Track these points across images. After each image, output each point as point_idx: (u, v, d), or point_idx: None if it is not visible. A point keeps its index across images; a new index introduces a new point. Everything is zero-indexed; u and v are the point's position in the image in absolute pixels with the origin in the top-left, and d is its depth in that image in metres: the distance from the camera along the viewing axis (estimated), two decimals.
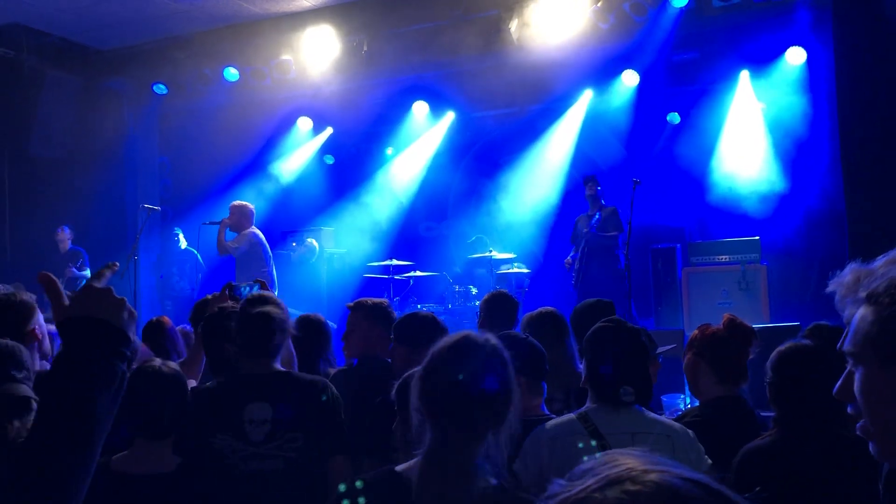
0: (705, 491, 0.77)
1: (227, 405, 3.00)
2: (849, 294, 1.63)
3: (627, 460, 0.81)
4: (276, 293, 8.56)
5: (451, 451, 1.89)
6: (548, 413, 3.03)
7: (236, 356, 3.18)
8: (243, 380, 3.11)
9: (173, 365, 2.95)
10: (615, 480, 0.78)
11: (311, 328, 3.97)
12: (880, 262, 1.51)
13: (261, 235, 8.27)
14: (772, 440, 2.60)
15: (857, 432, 1.33)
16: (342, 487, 1.96)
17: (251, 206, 8.47)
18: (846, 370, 1.38)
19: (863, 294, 1.38)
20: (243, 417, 2.95)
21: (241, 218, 8.25)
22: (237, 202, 8.48)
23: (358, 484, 1.96)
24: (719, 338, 3.22)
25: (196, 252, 9.94)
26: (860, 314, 1.35)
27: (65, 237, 9.65)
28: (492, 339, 1.98)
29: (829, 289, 1.68)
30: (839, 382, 1.37)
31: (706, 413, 3.14)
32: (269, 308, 3.16)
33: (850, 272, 1.58)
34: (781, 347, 2.74)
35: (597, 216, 8.50)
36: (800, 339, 2.80)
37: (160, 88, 10.08)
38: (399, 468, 1.96)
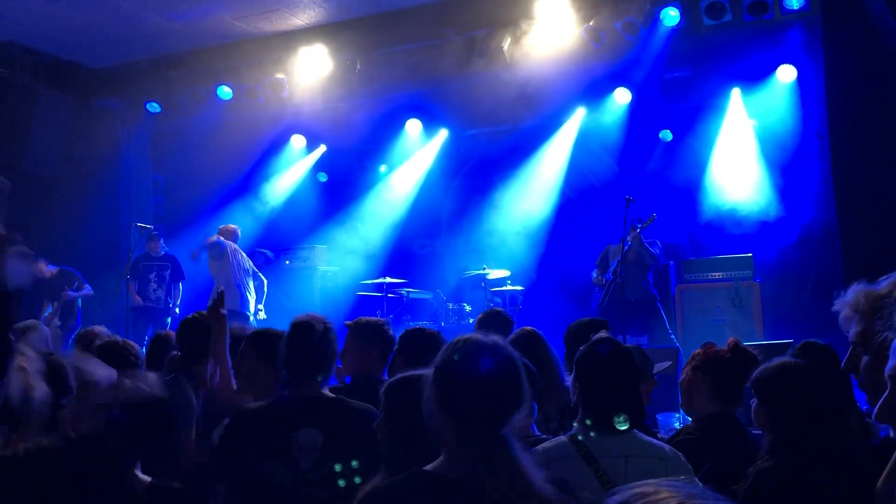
0: None
1: (276, 429, 2.92)
2: (853, 314, 1.64)
3: (664, 493, 0.79)
4: (250, 308, 8.68)
5: (487, 447, 1.90)
6: (538, 433, 3.02)
7: (286, 378, 3.10)
8: (293, 403, 3.03)
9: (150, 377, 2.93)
10: None
11: None
12: (885, 283, 1.52)
13: (231, 248, 8.82)
14: (780, 461, 2.57)
15: None
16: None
17: (232, 227, 9.07)
18: (888, 392, 1.37)
19: None
20: (292, 443, 2.88)
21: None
22: (222, 226, 9.05)
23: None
24: (723, 359, 3.23)
25: (174, 258, 9.67)
26: None
27: (41, 266, 9.44)
28: (494, 336, 2.03)
29: (835, 308, 1.69)
30: (880, 404, 1.36)
31: (701, 430, 3.14)
32: (321, 329, 3.13)
33: (853, 293, 1.59)
34: (767, 365, 2.75)
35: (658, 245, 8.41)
36: (786, 357, 2.81)
37: (153, 107, 10.09)
38: (428, 468, 1.94)
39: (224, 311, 3.70)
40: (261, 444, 2.89)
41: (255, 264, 9.41)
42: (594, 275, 8.54)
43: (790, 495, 2.48)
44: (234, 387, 3.57)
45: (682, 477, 2.60)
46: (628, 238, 7.63)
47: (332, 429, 2.87)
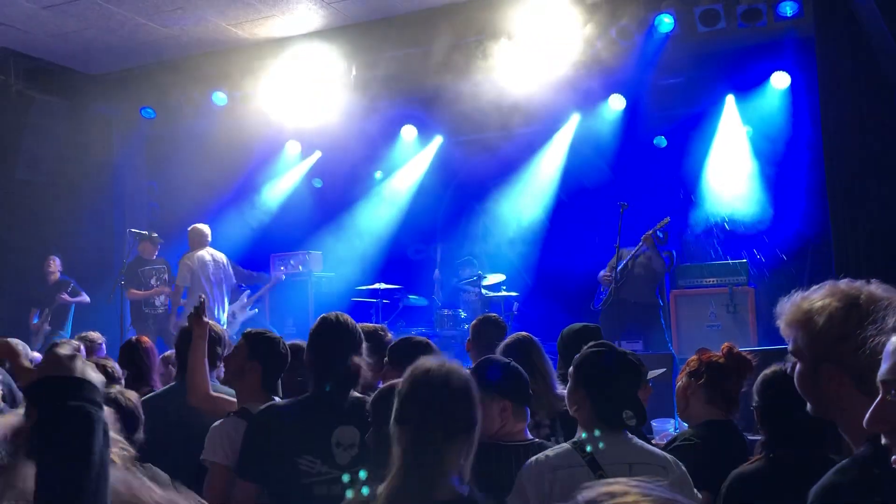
0: None
1: (315, 426, 2.99)
2: (790, 322, 1.69)
3: (633, 491, 0.79)
4: (215, 315, 8.69)
5: (423, 455, 2.06)
6: (531, 438, 3.02)
7: (314, 376, 3.16)
8: (329, 402, 3.08)
9: (131, 395, 2.94)
10: None
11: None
12: (818, 292, 1.57)
13: (197, 263, 9.00)
14: (759, 465, 2.59)
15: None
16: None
17: (200, 229, 9.20)
18: (880, 397, 1.37)
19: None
20: (331, 440, 2.95)
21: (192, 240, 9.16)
22: (190, 228, 9.27)
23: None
24: (717, 365, 3.25)
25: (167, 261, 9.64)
26: None
27: (55, 268, 9.51)
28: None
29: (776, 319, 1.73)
30: (872, 411, 1.35)
31: (698, 436, 3.16)
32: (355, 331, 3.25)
33: (790, 302, 1.63)
34: (767, 371, 2.75)
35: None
36: (784, 363, 2.81)
37: (148, 113, 10.07)
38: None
39: (206, 319, 3.79)
40: (297, 440, 2.96)
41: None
42: (602, 273, 8.49)
43: (764, 498, 2.49)
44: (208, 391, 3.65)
45: (685, 488, 2.61)
46: (641, 241, 7.67)
47: (367, 427, 2.93)
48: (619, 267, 7.90)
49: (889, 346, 1.37)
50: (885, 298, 1.65)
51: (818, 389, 1.73)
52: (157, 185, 10.96)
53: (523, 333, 3.92)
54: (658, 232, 8.00)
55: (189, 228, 9.26)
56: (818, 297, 1.75)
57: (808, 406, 1.81)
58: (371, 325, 4.05)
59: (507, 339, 3.90)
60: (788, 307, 1.79)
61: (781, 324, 1.81)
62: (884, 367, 1.36)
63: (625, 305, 7.82)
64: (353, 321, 3.31)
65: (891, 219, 6.66)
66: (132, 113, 10.21)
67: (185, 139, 10.41)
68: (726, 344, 3.37)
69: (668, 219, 8.11)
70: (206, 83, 9.61)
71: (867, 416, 1.38)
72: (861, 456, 1.58)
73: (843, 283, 1.76)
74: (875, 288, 1.71)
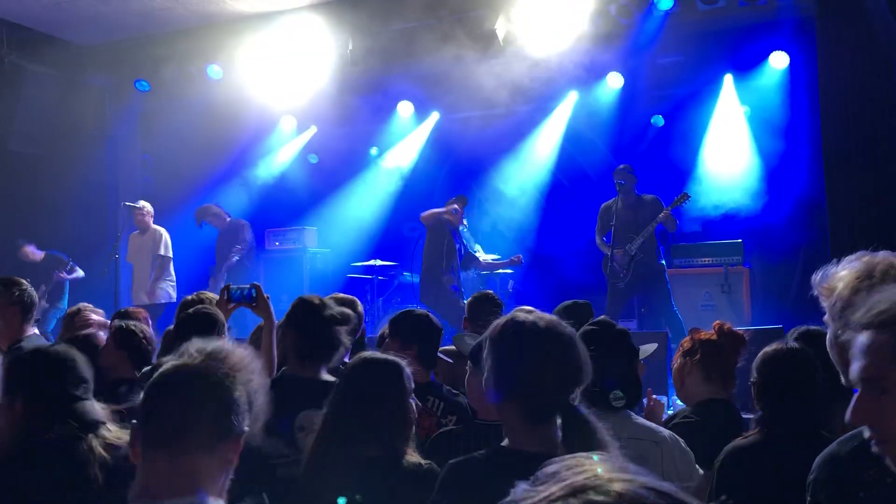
0: (669, 501, 0.75)
1: (279, 408, 2.96)
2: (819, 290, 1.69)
3: (593, 466, 0.79)
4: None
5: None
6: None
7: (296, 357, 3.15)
8: (296, 384, 3.07)
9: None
10: (579, 489, 0.76)
11: None
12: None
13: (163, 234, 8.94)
14: (753, 440, 2.61)
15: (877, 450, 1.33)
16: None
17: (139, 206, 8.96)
18: (857, 394, 1.37)
19: (861, 320, 1.38)
20: (294, 424, 2.92)
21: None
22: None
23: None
24: (710, 343, 3.26)
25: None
26: (874, 340, 1.34)
27: (29, 250, 9.36)
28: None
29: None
30: (853, 407, 1.35)
31: (696, 415, 3.18)
32: (340, 317, 3.20)
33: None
34: (768, 349, 2.76)
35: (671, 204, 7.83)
36: (786, 342, 2.82)
37: (142, 85, 9.97)
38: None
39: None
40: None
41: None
42: (615, 249, 7.86)
43: (757, 472, 2.51)
44: None
45: (680, 465, 2.62)
46: (659, 218, 7.50)
47: None
48: (636, 245, 7.70)
49: (856, 346, 1.37)
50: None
51: (843, 356, 1.75)
52: (152, 159, 10.89)
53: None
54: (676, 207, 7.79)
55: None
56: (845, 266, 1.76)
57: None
58: (341, 295, 4.04)
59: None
60: (821, 277, 1.79)
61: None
62: (853, 367, 1.36)
63: (641, 280, 7.68)
64: (330, 303, 3.27)
65: (888, 199, 6.67)
66: (126, 85, 10.12)
67: (179, 112, 10.32)
68: (717, 322, 3.39)
69: (686, 195, 7.85)
70: (202, 56, 9.52)
71: (848, 411, 1.38)
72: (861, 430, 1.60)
73: (876, 255, 1.75)
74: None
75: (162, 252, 8.87)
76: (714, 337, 3.30)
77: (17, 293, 4.28)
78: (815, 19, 7.28)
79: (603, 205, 7.81)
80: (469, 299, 4.59)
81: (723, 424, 3.06)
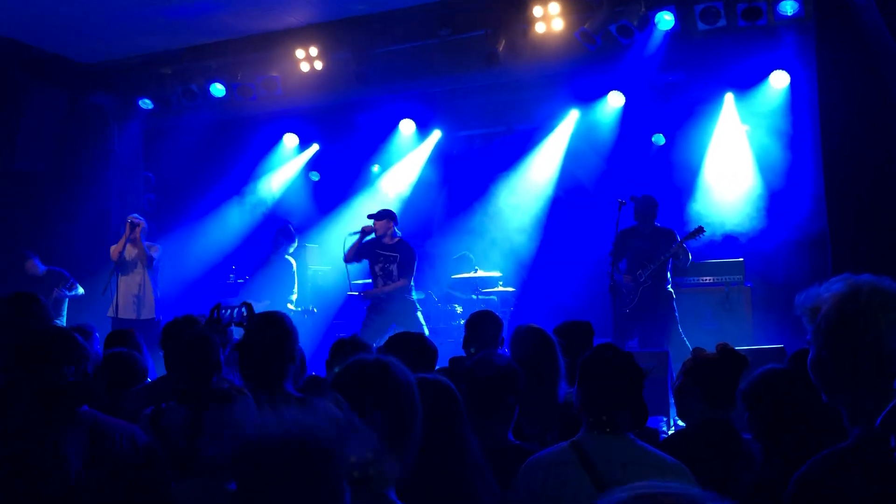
0: None
1: None
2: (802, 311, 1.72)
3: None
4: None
5: None
6: (515, 441, 3.02)
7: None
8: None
9: None
10: None
11: None
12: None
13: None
14: (768, 472, 2.58)
15: None
16: None
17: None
18: None
19: None
20: None
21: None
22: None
23: None
24: (711, 363, 3.27)
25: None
26: None
27: (33, 263, 9.31)
28: None
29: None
30: None
31: (693, 435, 3.19)
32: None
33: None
34: (757, 372, 2.78)
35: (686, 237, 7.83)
36: (773, 365, 2.83)
37: (146, 103, 10.02)
38: None
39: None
40: None
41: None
42: (625, 277, 7.95)
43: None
44: None
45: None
46: (673, 251, 7.50)
47: None
48: (647, 273, 7.71)
49: None
50: (891, 296, 1.67)
51: (825, 376, 1.77)
52: (154, 176, 10.92)
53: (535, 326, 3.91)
54: (689, 242, 7.78)
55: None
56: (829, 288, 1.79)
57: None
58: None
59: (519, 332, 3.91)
60: (805, 298, 1.83)
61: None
62: None
63: (650, 307, 7.68)
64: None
65: (889, 217, 6.66)
66: (129, 103, 10.16)
67: (182, 130, 10.37)
68: (720, 343, 3.39)
69: (701, 228, 7.85)
70: (205, 74, 9.57)
71: (879, 419, 1.40)
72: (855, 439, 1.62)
73: (860, 278, 1.78)
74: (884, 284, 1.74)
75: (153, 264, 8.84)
76: (716, 357, 3.30)
77: (34, 309, 4.32)
78: (815, 35, 7.30)
79: (620, 231, 7.81)
80: (469, 317, 4.57)
81: (720, 446, 3.05)
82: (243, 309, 3.74)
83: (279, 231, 9.31)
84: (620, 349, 2.96)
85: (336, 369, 2.42)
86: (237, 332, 3.93)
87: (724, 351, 3.31)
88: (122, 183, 10.53)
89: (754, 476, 2.67)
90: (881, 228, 6.62)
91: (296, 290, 9.08)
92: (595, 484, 2.55)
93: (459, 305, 9.35)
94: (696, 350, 3.44)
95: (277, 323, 3.36)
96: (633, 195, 7.68)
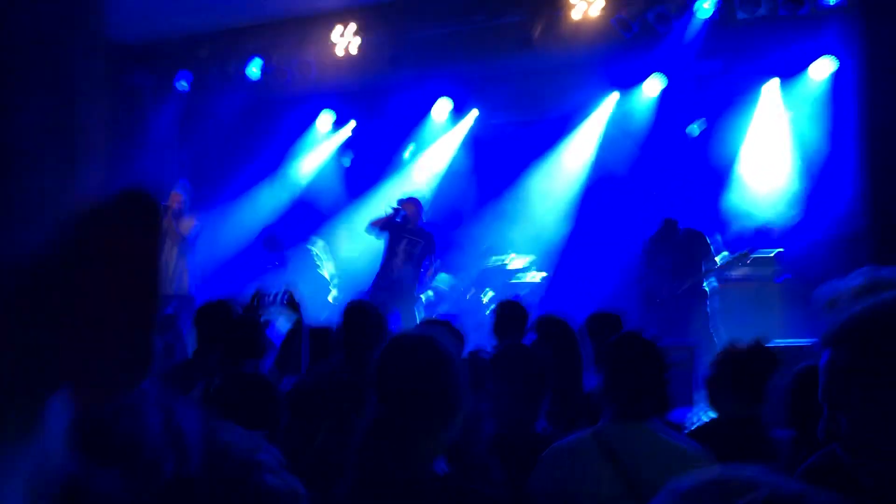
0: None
1: None
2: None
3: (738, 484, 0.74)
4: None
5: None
6: (540, 432, 3.02)
7: None
8: None
9: None
10: None
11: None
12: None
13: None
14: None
15: None
16: None
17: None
18: (824, 415, 1.37)
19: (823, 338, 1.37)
20: None
21: None
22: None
23: None
24: (742, 358, 3.27)
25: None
26: (830, 358, 1.36)
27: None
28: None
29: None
30: (820, 427, 1.36)
31: (720, 428, 3.21)
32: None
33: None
34: (798, 368, 2.76)
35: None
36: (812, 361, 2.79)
37: (182, 85, 10.09)
38: None
39: None
40: None
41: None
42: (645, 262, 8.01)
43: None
44: None
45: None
46: (712, 271, 7.41)
47: None
48: (685, 286, 7.61)
49: (822, 361, 1.35)
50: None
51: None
52: (189, 159, 11.02)
53: (554, 317, 3.91)
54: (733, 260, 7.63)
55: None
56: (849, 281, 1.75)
57: None
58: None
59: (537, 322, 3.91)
60: (824, 292, 1.79)
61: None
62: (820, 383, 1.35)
63: (675, 299, 7.61)
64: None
65: None
66: (166, 85, 10.25)
67: (218, 112, 10.44)
68: (755, 337, 3.39)
69: (748, 253, 7.68)
70: (241, 56, 9.62)
71: (819, 429, 1.38)
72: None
73: (881, 271, 1.73)
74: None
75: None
76: (747, 352, 3.29)
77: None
78: (860, 23, 7.10)
79: (650, 240, 7.73)
80: (496, 306, 4.57)
81: (748, 441, 3.05)
82: (285, 296, 3.82)
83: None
84: (645, 337, 2.96)
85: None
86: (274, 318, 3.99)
87: (757, 346, 3.31)
88: (157, 163, 10.65)
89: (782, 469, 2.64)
90: None
91: (328, 277, 9.13)
92: (617, 472, 2.56)
93: (492, 290, 9.31)
94: (730, 343, 3.46)
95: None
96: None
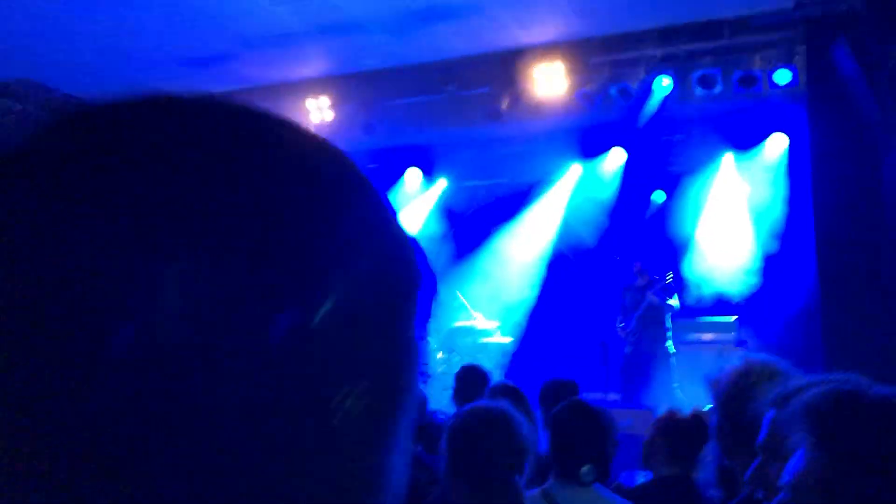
0: None
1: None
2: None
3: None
4: None
5: None
6: None
7: None
8: None
9: None
10: None
11: None
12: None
13: None
14: None
15: None
16: None
17: None
18: (757, 461, 1.58)
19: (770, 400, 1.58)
20: None
21: None
22: None
23: None
24: (681, 424, 3.44)
25: None
26: (773, 415, 1.57)
27: None
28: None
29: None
30: (752, 471, 1.57)
31: (656, 488, 3.35)
32: None
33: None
34: None
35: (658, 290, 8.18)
36: None
37: None
38: None
39: None
40: None
41: None
42: (619, 324, 8.49)
43: None
44: None
45: None
46: (648, 298, 7.69)
47: None
48: (630, 327, 7.91)
49: (766, 418, 1.56)
50: (778, 372, 1.87)
51: (724, 442, 1.97)
52: None
53: (509, 383, 4.04)
54: (659, 286, 7.97)
55: None
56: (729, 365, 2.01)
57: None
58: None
59: (496, 387, 4.04)
60: (713, 373, 2.04)
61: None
62: (762, 434, 1.54)
63: (642, 358, 7.81)
64: None
65: (880, 286, 6.74)
66: None
67: None
68: (694, 407, 3.54)
69: (671, 274, 8.12)
70: None
71: (747, 474, 1.58)
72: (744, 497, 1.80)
73: (754, 356, 2.01)
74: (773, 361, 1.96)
75: None
76: (686, 420, 3.44)
77: None
78: (808, 105, 7.47)
79: (623, 288, 8.17)
80: (458, 371, 4.70)
81: (680, 498, 3.18)
82: None
83: None
84: (591, 405, 3.10)
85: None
86: None
87: (696, 417, 3.47)
88: None
89: None
90: (872, 303, 6.71)
91: None
92: None
93: (458, 354, 9.44)
94: (670, 409, 3.60)
95: None
96: (618, 256, 7.87)
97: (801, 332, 8.24)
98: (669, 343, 8.06)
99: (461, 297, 10.10)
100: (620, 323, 8.22)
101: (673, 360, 8.01)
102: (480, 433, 2.27)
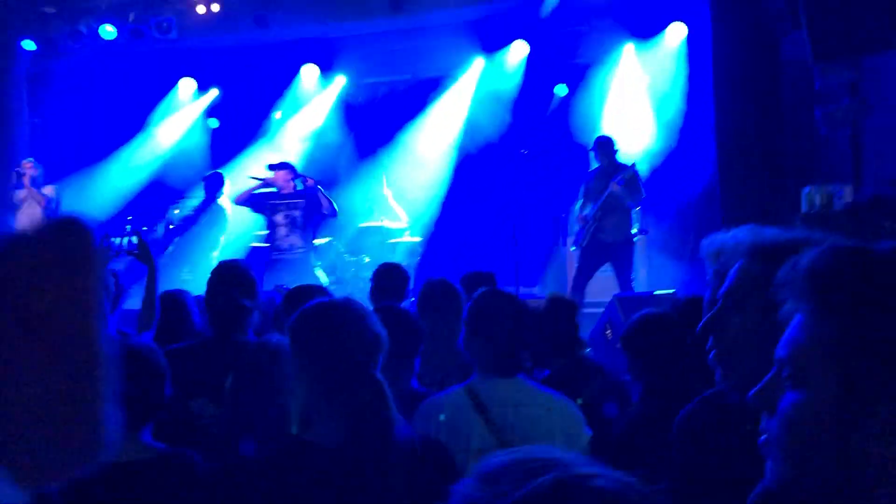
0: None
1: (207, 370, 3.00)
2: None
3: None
4: None
5: None
6: (417, 388, 3.08)
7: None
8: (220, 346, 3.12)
9: None
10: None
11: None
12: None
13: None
14: (642, 410, 2.75)
15: None
16: None
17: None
18: (714, 310, 1.50)
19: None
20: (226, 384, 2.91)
21: None
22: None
23: None
24: (540, 313, 3.62)
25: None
26: (741, 265, 1.48)
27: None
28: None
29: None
30: (760, 388, 1.43)
31: (559, 376, 3.42)
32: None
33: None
34: (634, 317, 2.98)
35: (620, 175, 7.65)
36: (649, 309, 3.04)
37: (28, 45, 9.40)
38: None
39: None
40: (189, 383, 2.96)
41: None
42: (575, 210, 8.11)
43: (659, 438, 2.64)
44: None
45: (572, 428, 2.73)
46: (611, 188, 7.48)
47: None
48: (592, 212, 7.72)
49: (733, 268, 1.47)
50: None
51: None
52: (41, 123, 10.33)
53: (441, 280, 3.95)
54: (621, 180, 7.76)
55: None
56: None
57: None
58: None
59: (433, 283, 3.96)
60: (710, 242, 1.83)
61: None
62: (726, 284, 1.46)
63: (601, 245, 7.72)
64: (245, 267, 3.36)
65: (774, 171, 6.99)
66: (10, 44, 9.52)
67: (70, 75, 9.84)
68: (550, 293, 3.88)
69: (630, 171, 7.87)
70: (93, 15, 9.06)
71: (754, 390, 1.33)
72: (718, 390, 1.70)
73: (764, 228, 1.81)
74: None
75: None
76: (545, 306, 3.73)
77: None
78: None
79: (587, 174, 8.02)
80: (375, 270, 4.57)
81: (585, 380, 3.31)
82: (133, 238, 3.60)
83: (212, 178, 8.99)
84: (507, 294, 3.03)
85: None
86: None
87: (553, 299, 3.75)
88: (6, 129, 9.91)
89: (631, 413, 2.82)
90: (767, 181, 6.96)
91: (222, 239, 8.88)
92: (487, 425, 2.63)
93: (367, 255, 9.30)
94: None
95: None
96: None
97: (701, 220, 8.53)
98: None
99: (368, 198, 9.90)
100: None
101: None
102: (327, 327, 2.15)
